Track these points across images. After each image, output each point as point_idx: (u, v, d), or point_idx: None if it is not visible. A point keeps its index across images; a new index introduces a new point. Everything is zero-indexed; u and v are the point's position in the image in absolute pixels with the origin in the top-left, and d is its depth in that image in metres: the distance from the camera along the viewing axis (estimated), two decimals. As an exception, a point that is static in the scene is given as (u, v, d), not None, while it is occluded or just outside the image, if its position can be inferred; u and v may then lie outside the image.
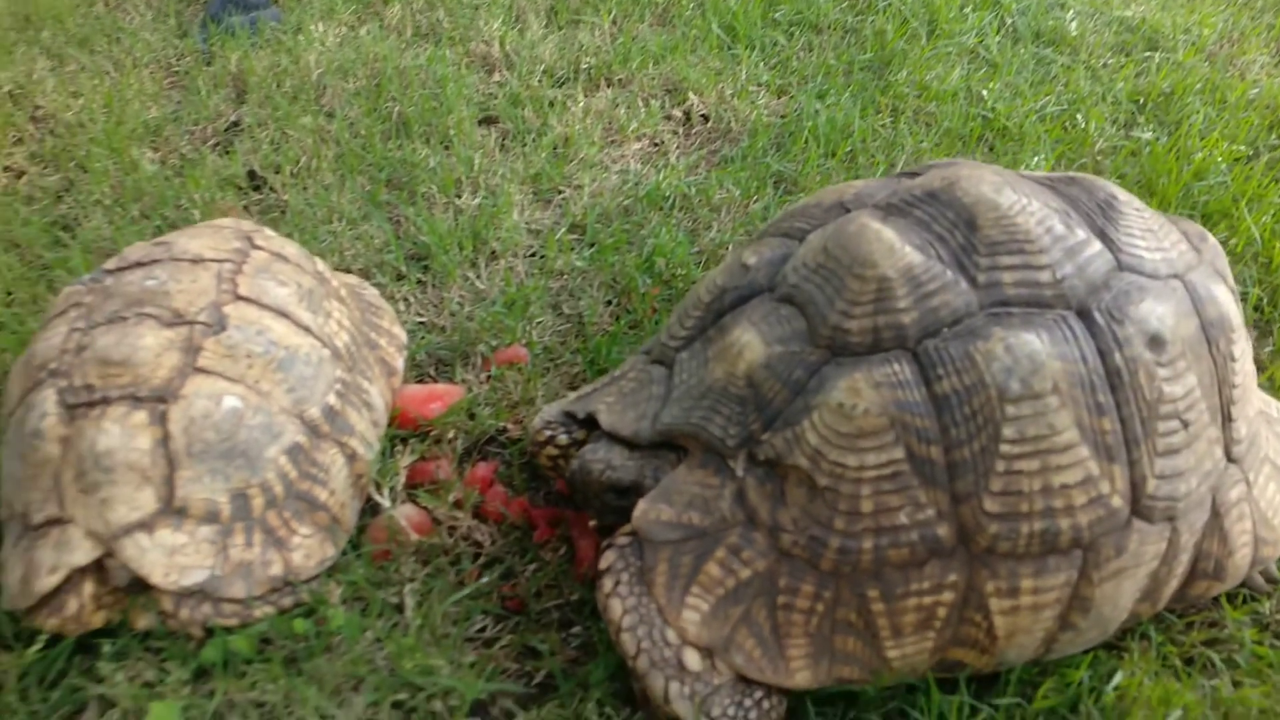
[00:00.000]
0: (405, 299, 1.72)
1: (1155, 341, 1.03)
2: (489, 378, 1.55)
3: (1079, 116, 2.20)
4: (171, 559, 1.09)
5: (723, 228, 1.90)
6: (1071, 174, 1.20)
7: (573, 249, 1.84)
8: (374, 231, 1.84)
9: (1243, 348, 1.15)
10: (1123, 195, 1.16)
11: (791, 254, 1.16)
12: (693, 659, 1.02)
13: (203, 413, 1.13)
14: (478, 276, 1.77)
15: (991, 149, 2.13)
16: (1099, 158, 2.07)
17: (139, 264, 1.27)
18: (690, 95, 2.34)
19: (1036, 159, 1.98)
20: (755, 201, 1.97)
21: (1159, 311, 1.05)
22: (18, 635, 1.14)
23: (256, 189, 2.02)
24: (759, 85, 2.40)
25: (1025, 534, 0.99)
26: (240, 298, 1.24)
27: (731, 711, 1.01)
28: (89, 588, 1.10)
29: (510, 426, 1.47)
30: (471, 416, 1.47)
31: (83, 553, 1.08)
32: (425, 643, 1.15)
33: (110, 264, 1.30)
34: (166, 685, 1.09)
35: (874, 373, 1.00)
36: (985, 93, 2.27)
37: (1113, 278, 1.07)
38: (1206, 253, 1.22)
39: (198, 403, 1.13)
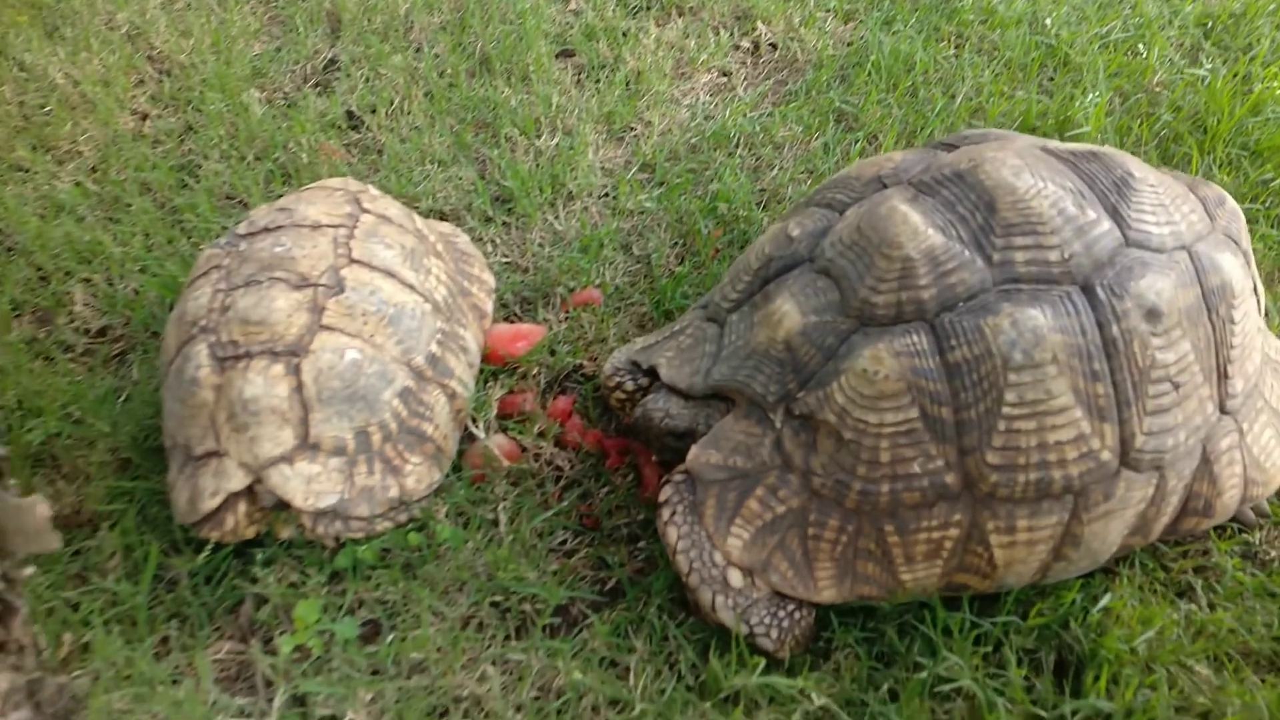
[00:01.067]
0: (492, 240, 1.91)
1: (1152, 314, 1.17)
2: (567, 318, 1.74)
3: (1141, 45, 2.23)
4: (309, 486, 1.33)
5: (785, 165, 2.03)
6: (1093, 149, 1.31)
7: (642, 189, 2.00)
8: (462, 174, 2.02)
9: (1245, 310, 1.27)
10: (1139, 171, 1.27)
11: (831, 226, 1.31)
12: (736, 577, 1.23)
13: (329, 364, 1.35)
14: (556, 218, 1.94)
15: (1050, 80, 2.19)
16: (1157, 89, 2.11)
17: (266, 230, 1.48)
18: (759, 24, 2.42)
19: (1092, 95, 2.04)
20: (817, 138, 2.08)
21: (1158, 286, 1.18)
22: (188, 543, 1.41)
23: (355, 129, 2.20)
24: (827, 11, 2.47)
25: (1022, 482, 1.15)
26: (354, 261, 1.44)
27: (767, 620, 1.22)
28: (242, 508, 1.35)
29: (586, 363, 1.66)
30: (552, 353, 1.67)
31: (237, 480, 1.32)
32: (516, 554, 1.38)
33: (241, 229, 1.51)
34: (308, 586, 1.35)
35: (895, 343, 1.16)
36: (1049, 20, 2.31)
37: (1118, 254, 1.19)
38: (1221, 218, 1.33)
39: (324, 356, 1.35)
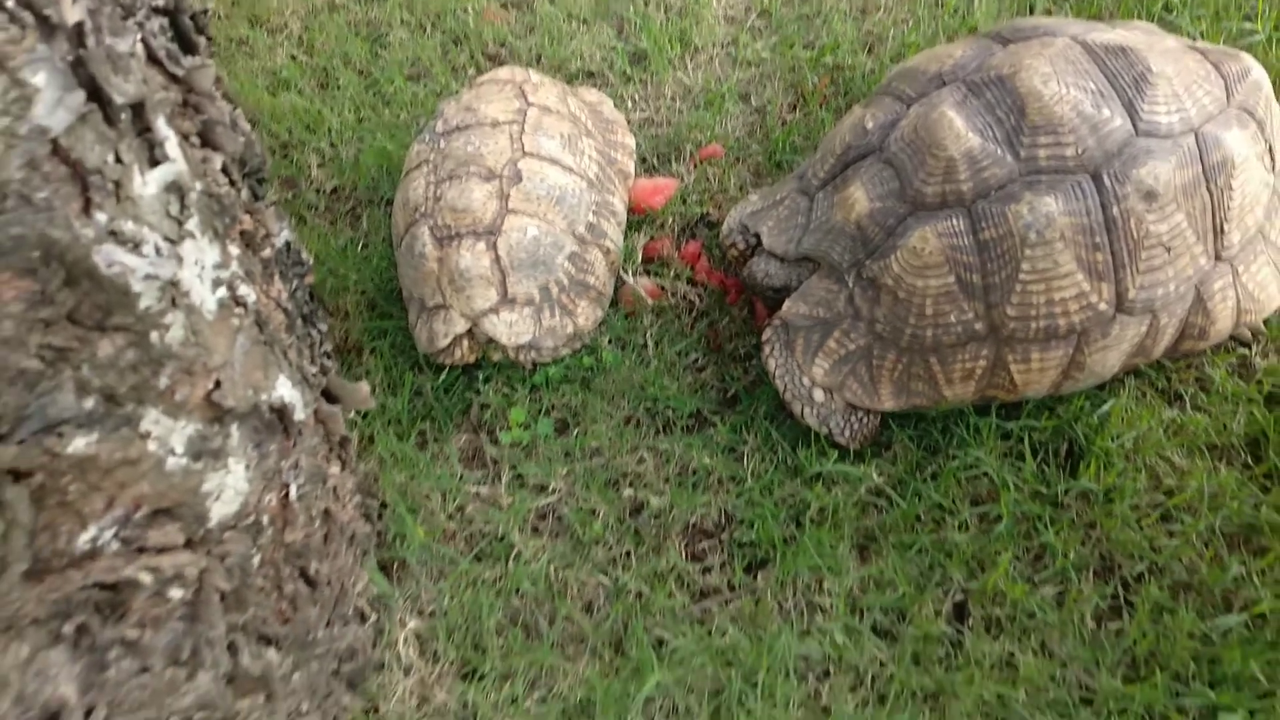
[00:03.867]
0: (631, 98, 2.28)
1: (1149, 195, 1.48)
2: (695, 169, 2.13)
3: None
4: (510, 329, 1.84)
5: (889, 6, 2.26)
6: (1123, 43, 1.55)
7: (760, 37, 2.29)
8: (602, 34, 2.35)
9: (1246, 175, 1.54)
10: (1157, 65, 1.52)
11: (899, 119, 1.64)
12: (819, 394, 1.68)
13: (517, 241, 1.81)
14: (685, 73, 2.28)
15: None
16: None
17: (458, 129, 1.91)
18: None
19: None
20: (919, -25, 2.29)
21: (1157, 170, 1.48)
22: (429, 366, 1.96)
23: (509, -10, 2.54)
24: None
25: (1034, 328, 1.53)
26: (527, 154, 1.87)
27: (842, 423, 1.68)
28: (465, 342, 1.87)
29: (712, 211, 2.07)
30: (684, 203, 2.08)
31: (460, 326, 1.84)
32: (660, 371, 1.87)
33: (439, 127, 1.95)
34: (516, 396, 1.89)
35: (939, 225, 1.53)
36: None
37: (1127, 145, 1.49)
38: (1238, 93, 1.58)
39: (513, 234, 1.81)
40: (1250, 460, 1.59)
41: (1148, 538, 1.52)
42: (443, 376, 1.92)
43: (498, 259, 1.81)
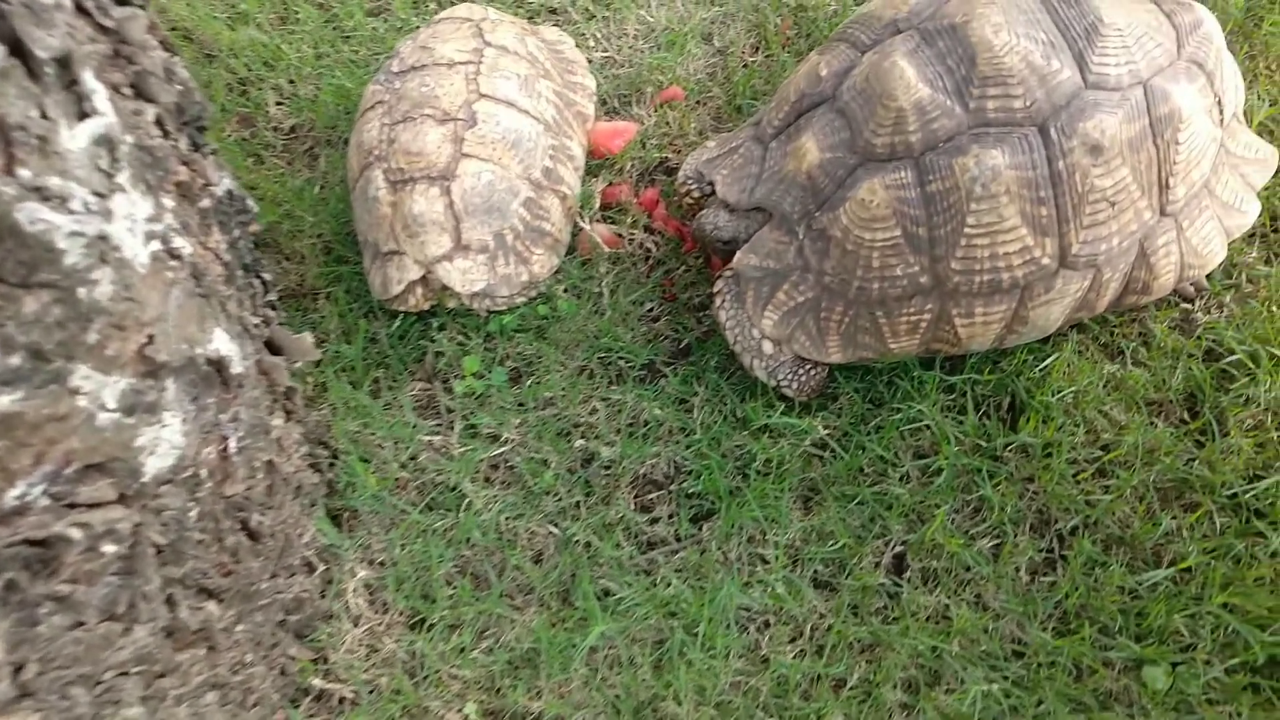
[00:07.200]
0: (594, 35, 2.24)
1: (1094, 149, 1.47)
2: (654, 113, 2.10)
3: None
4: (464, 275, 1.83)
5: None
6: (1077, -11, 1.53)
7: (725, -27, 2.25)
8: (566, -30, 2.31)
9: (1193, 129, 1.54)
10: (1109, 15, 1.51)
11: (854, 66, 1.62)
12: (768, 346, 1.69)
13: (471, 185, 1.80)
14: (649, 10, 2.24)
15: None
16: None
17: (413, 68, 1.88)
18: None
19: None
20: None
21: (1104, 124, 1.47)
22: (383, 312, 1.96)
23: (471, -79, 2.47)
24: None
25: (978, 282, 1.54)
26: (482, 95, 1.84)
27: (789, 376, 1.69)
28: (419, 289, 1.87)
29: (671, 156, 2.05)
30: (643, 147, 2.07)
31: (413, 272, 1.83)
32: (615, 321, 1.88)
33: (394, 66, 1.92)
34: (470, 344, 1.90)
35: (886, 178, 1.52)
36: None
37: (1075, 97, 1.48)
38: (1189, 45, 1.57)
39: (467, 179, 1.80)
40: (1186, 416, 1.62)
41: (1084, 493, 1.56)
42: (397, 323, 1.92)
43: (451, 204, 1.80)
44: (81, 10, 1.09)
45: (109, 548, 1.10)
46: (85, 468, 1.06)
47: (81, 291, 0.99)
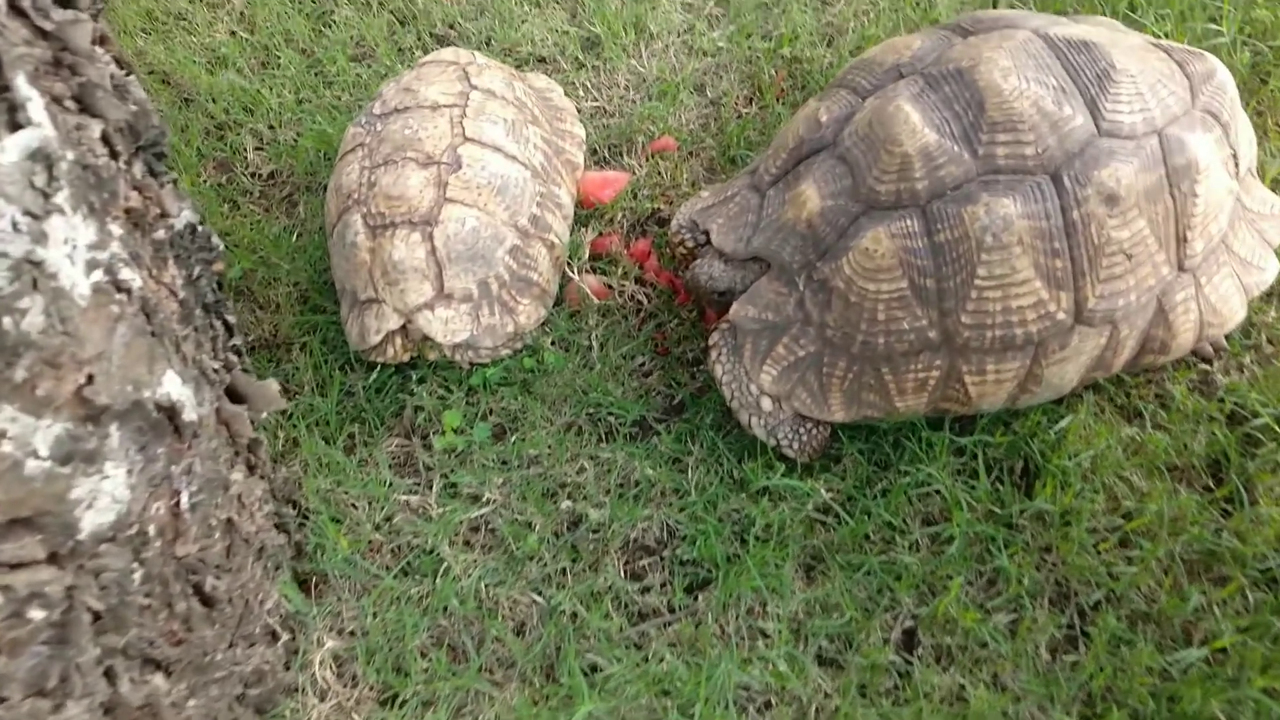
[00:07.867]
0: (584, 85, 2.18)
1: (1110, 199, 1.40)
2: (646, 163, 2.03)
3: None
4: (446, 325, 1.73)
5: None
6: (1086, 38, 1.48)
7: (717, 25, 2.20)
8: (555, 17, 2.26)
9: (1210, 181, 1.47)
10: (1122, 62, 1.45)
11: (854, 113, 1.55)
12: (767, 403, 1.60)
13: (455, 231, 1.71)
14: (640, 61, 2.19)
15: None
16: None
17: (396, 110, 1.81)
18: None
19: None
20: (885, -33, 2.21)
21: (1120, 173, 1.40)
22: (360, 364, 1.86)
23: (461, -28, 2.43)
24: None
25: (989, 337, 1.46)
26: (468, 139, 1.77)
27: (790, 435, 1.59)
28: (398, 339, 1.77)
29: (663, 207, 1.97)
30: (634, 198, 1.99)
31: (393, 321, 1.74)
32: (605, 375, 1.78)
33: (376, 108, 1.84)
34: (451, 398, 1.79)
35: (892, 226, 1.44)
36: None
37: (1089, 145, 1.41)
38: (1203, 95, 1.51)
39: (450, 224, 1.71)
40: (1211, 482, 1.52)
41: (1105, 564, 1.45)
42: (374, 375, 1.82)
43: (434, 251, 1.71)
44: (16, 10, 1.00)
45: (36, 613, 0.98)
46: (10, 522, 0.94)
47: (6, 321, 0.89)
